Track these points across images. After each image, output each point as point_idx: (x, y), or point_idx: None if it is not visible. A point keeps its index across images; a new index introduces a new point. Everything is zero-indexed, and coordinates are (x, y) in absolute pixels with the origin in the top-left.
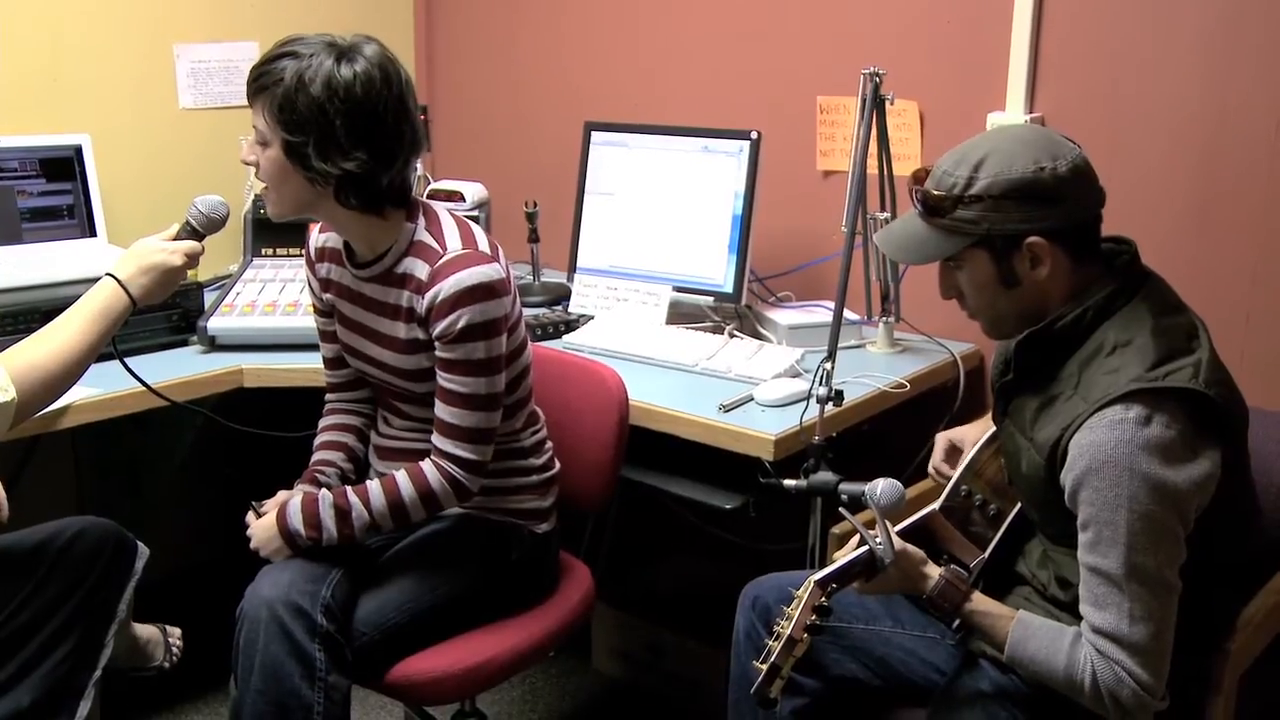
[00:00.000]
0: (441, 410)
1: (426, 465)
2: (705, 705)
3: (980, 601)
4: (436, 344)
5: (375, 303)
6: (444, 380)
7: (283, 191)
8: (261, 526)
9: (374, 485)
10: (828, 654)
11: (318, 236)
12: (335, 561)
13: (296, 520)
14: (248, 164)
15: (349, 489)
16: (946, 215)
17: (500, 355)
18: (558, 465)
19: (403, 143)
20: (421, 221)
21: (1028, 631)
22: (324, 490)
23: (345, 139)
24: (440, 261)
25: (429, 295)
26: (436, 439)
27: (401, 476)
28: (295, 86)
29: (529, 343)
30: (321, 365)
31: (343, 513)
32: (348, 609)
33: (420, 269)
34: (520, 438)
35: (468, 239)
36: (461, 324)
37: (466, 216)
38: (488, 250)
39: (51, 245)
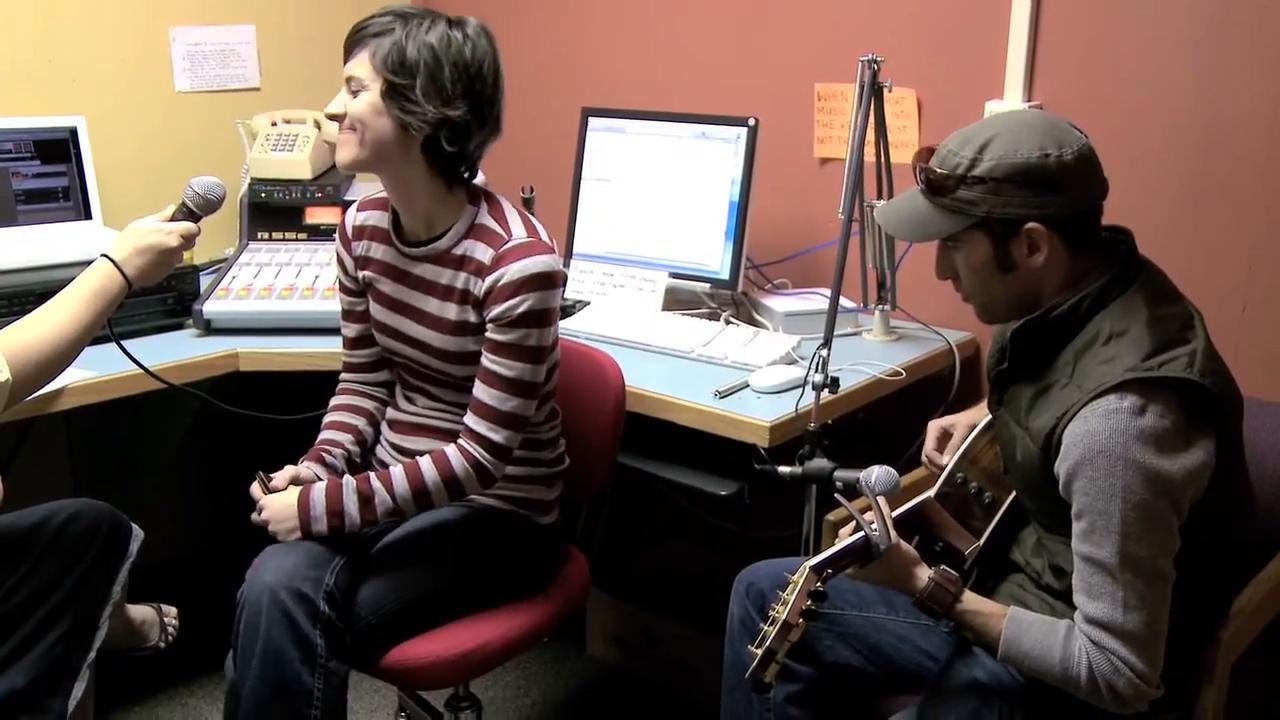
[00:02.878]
0: (481, 392)
1: (451, 450)
2: (699, 691)
3: (971, 601)
4: (490, 326)
5: (425, 282)
6: (489, 362)
7: (368, 134)
8: (279, 504)
9: (397, 471)
10: (821, 640)
11: (355, 215)
12: (338, 547)
13: (319, 508)
14: (333, 116)
15: (371, 475)
16: (948, 194)
17: (547, 346)
18: (567, 461)
19: (495, 109)
20: (484, 206)
21: (1020, 628)
22: (347, 478)
23: (450, 86)
24: (506, 246)
25: (490, 278)
26: (470, 419)
27: (425, 462)
28: (408, 37)
29: (558, 338)
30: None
31: (366, 498)
32: (349, 595)
33: (482, 252)
34: (540, 430)
35: (530, 228)
36: (522, 309)
37: None
38: (548, 241)
39: (46, 227)
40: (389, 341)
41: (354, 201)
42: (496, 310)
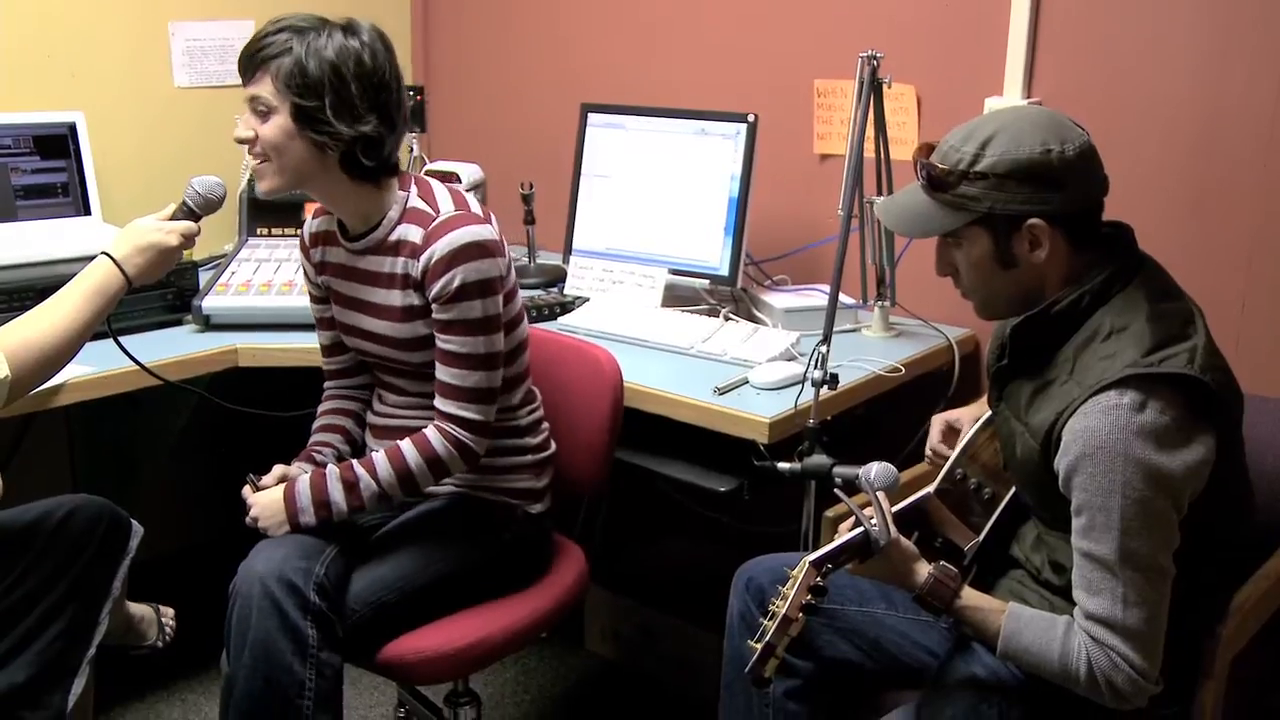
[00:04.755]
0: (442, 372)
1: (430, 431)
2: (698, 687)
3: (970, 597)
4: (433, 306)
5: (370, 274)
6: (443, 342)
7: (284, 161)
8: (266, 499)
9: (379, 455)
10: (821, 636)
11: (310, 223)
12: (330, 538)
13: (305, 498)
14: (243, 141)
15: (354, 461)
16: (950, 190)
17: (497, 315)
18: (554, 446)
19: (403, 112)
20: (414, 189)
21: (1019, 624)
22: (330, 466)
23: (359, 102)
24: (434, 224)
25: (424, 257)
26: (439, 402)
27: (406, 444)
28: (307, 53)
29: (525, 318)
30: (316, 345)
31: (350, 484)
32: (341, 586)
33: (414, 233)
34: (517, 416)
35: (460, 203)
36: (456, 283)
37: None
38: (479, 213)
39: (46, 223)
40: (351, 340)
41: None
42: (435, 289)
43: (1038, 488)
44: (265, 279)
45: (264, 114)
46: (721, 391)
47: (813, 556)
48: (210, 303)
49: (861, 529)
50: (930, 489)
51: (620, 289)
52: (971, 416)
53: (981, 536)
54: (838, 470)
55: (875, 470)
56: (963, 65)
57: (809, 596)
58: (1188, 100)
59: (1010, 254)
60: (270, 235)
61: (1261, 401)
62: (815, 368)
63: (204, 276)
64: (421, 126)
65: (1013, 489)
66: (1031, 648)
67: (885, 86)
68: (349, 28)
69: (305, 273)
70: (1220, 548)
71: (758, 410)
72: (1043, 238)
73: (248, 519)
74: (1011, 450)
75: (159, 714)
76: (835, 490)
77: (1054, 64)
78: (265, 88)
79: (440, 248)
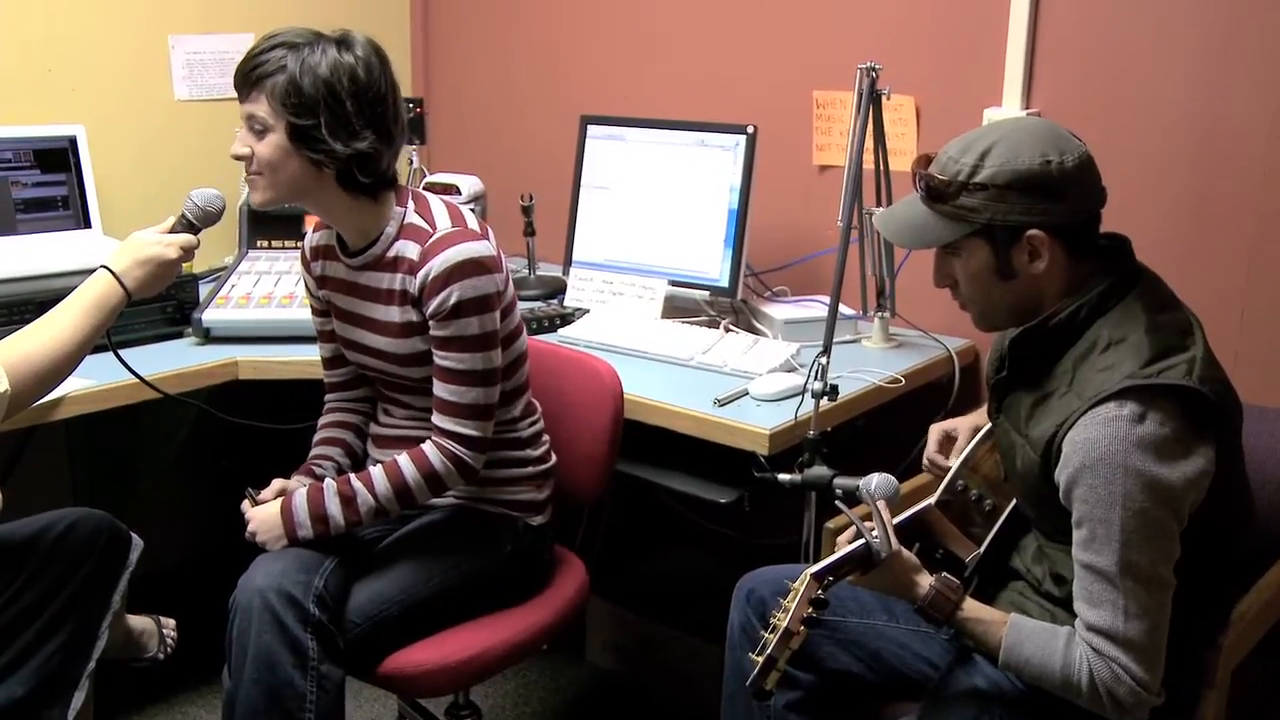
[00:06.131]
0: (440, 389)
1: (428, 446)
2: (699, 699)
3: (972, 608)
4: (431, 323)
5: (369, 290)
6: (440, 358)
7: (279, 177)
8: (264, 514)
9: (376, 470)
10: (822, 647)
11: (311, 236)
12: (329, 551)
13: (303, 513)
14: (239, 158)
15: (352, 475)
16: (949, 201)
17: (494, 331)
18: (554, 458)
19: (400, 125)
20: (411, 205)
21: (1021, 635)
22: (328, 480)
23: (355, 120)
24: (430, 240)
25: (421, 274)
26: (437, 418)
27: (404, 459)
28: (301, 71)
29: (525, 331)
30: (317, 357)
31: (347, 499)
32: (341, 599)
33: (411, 250)
34: (518, 428)
35: (457, 219)
36: (453, 300)
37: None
38: (477, 229)
39: (46, 236)
40: (352, 354)
41: None
42: (432, 306)
43: (1038, 500)
44: (265, 291)
45: (260, 132)
46: (722, 403)
47: (814, 568)
48: (210, 315)
49: (862, 540)
50: (931, 500)
51: (620, 300)
52: (969, 426)
53: (983, 548)
54: (838, 481)
55: (876, 481)
56: (961, 76)
57: (810, 609)
58: (1187, 110)
59: (1009, 265)
60: (270, 248)
61: (1261, 412)
62: (815, 379)
63: (204, 289)
64: (421, 138)
65: (1013, 501)
66: (1033, 659)
67: (884, 98)
68: (343, 41)
69: (306, 285)
70: (1221, 558)
71: (758, 422)
72: (1042, 249)
73: (246, 534)
74: (1012, 462)
75: None
76: (836, 502)
77: (1052, 75)
78: (261, 106)
79: (437, 265)
